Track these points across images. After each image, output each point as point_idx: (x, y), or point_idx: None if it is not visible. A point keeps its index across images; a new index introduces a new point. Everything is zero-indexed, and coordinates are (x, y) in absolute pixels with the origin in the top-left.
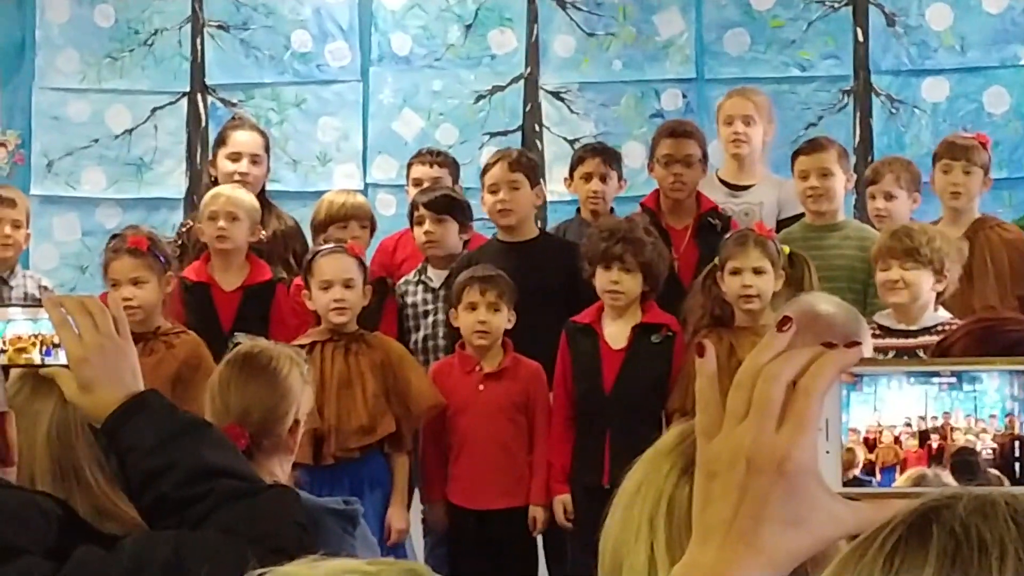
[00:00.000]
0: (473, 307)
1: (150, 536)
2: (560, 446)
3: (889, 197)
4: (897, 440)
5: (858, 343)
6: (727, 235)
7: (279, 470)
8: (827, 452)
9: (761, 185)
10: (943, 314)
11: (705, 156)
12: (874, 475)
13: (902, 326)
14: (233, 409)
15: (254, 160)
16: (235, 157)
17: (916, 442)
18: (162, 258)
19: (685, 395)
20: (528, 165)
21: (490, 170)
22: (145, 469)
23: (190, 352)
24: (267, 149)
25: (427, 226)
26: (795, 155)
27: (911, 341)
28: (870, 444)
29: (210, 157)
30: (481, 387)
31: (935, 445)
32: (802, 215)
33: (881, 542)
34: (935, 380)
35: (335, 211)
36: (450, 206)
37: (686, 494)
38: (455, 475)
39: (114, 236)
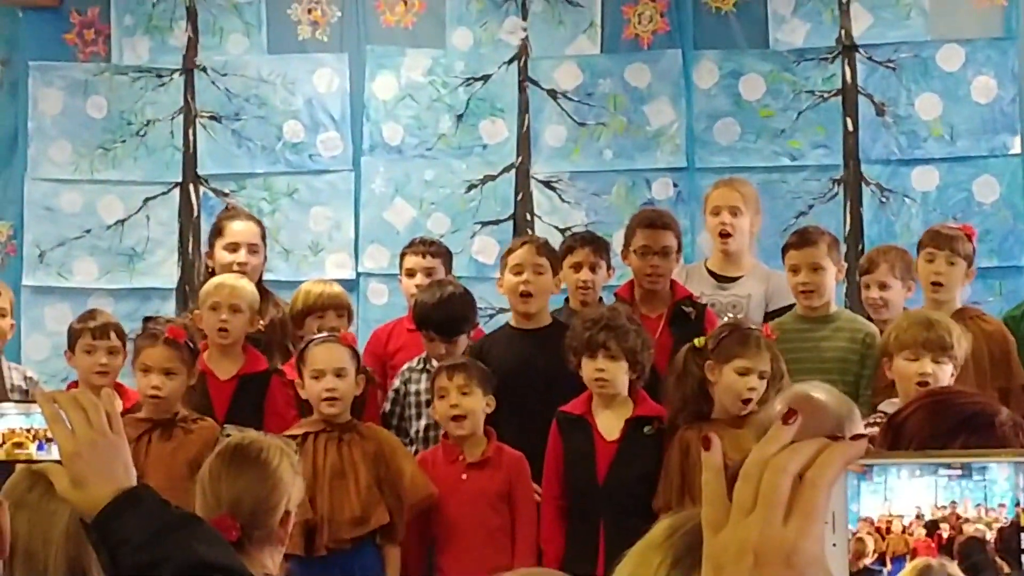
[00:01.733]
0: (444, 394)
1: None
2: (552, 535)
3: (884, 287)
4: (907, 530)
5: (864, 435)
6: (725, 331)
7: (270, 561)
8: (834, 545)
9: (749, 277)
10: None
11: (680, 246)
12: (885, 565)
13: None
14: (224, 500)
15: (252, 249)
16: (233, 248)
17: (925, 531)
18: (193, 350)
19: (670, 491)
20: (551, 252)
21: (515, 252)
22: (136, 563)
23: (207, 437)
24: (264, 238)
25: (438, 347)
26: (785, 248)
27: None
28: (881, 533)
29: (206, 249)
30: (464, 476)
31: (944, 535)
32: (790, 307)
33: None
34: (944, 470)
35: (312, 301)
36: (460, 325)
37: None
38: (441, 566)
39: (148, 319)
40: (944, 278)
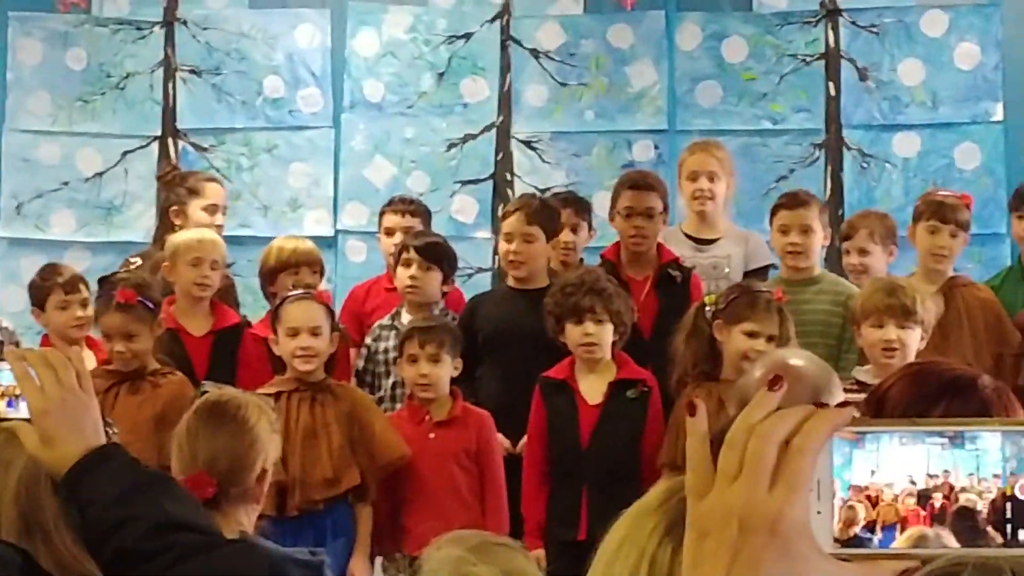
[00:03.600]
0: (414, 359)
1: None
2: (534, 501)
3: (864, 252)
4: (898, 498)
5: (849, 403)
6: (735, 292)
7: (246, 519)
8: (818, 512)
9: (726, 239)
10: None
11: (666, 208)
12: (875, 533)
13: (876, 380)
14: (201, 458)
15: (224, 211)
16: (212, 210)
17: (916, 500)
18: (151, 305)
19: (675, 448)
20: (547, 215)
21: (507, 218)
22: (105, 522)
23: (176, 392)
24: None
25: (413, 270)
26: (776, 208)
27: None
28: (872, 501)
29: (173, 207)
30: (431, 436)
31: (936, 504)
32: (767, 267)
33: None
34: (936, 438)
35: (285, 257)
36: (440, 255)
37: (668, 554)
38: (409, 526)
39: (103, 281)
40: (948, 251)
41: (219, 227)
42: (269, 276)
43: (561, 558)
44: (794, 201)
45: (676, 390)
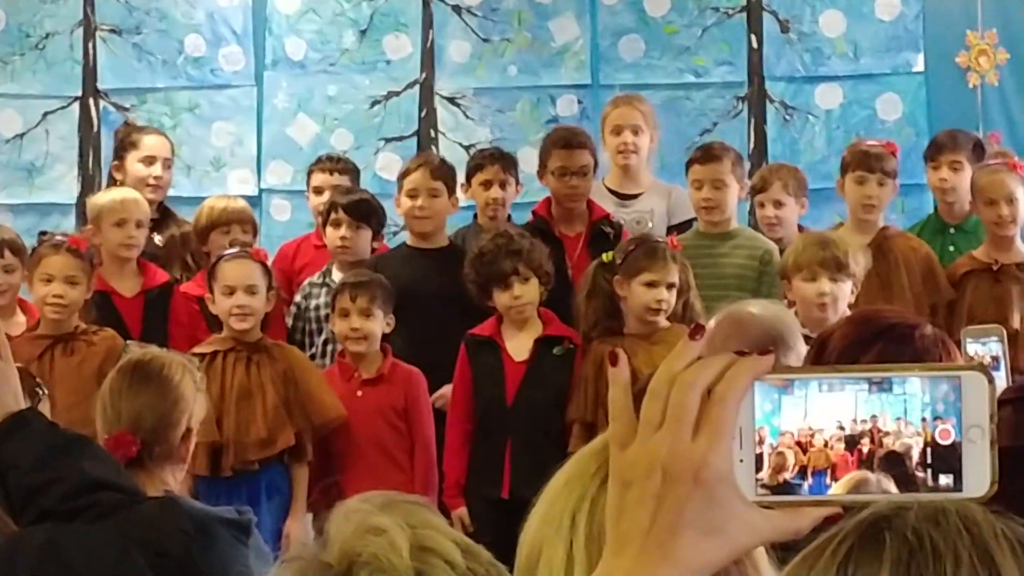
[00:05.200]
0: (345, 314)
1: (25, 529)
2: (455, 459)
3: (778, 204)
4: (827, 444)
5: (771, 351)
6: (631, 245)
7: (171, 479)
8: (741, 461)
9: (649, 193)
10: None
11: (597, 164)
12: (806, 479)
13: (805, 331)
14: (124, 416)
15: (166, 164)
16: (150, 161)
17: (844, 446)
18: (92, 261)
19: (584, 403)
20: (448, 173)
21: (410, 175)
22: (27, 485)
23: (111, 347)
24: (172, 154)
25: (343, 230)
26: (689, 163)
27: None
28: (802, 447)
29: (114, 162)
30: (359, 393)
31: (864, 449)
32: (691, 221)
33: (833, 550)
34: (864, 383)
35: (216, 216)
36: (368, 213)
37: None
38: (341, 484)
39: (43, 233)
40: (876, 200)
41: (158, 178)
42: (201, 235)
43: (485, 516)
44: (706, 156)
45: (583, 348)
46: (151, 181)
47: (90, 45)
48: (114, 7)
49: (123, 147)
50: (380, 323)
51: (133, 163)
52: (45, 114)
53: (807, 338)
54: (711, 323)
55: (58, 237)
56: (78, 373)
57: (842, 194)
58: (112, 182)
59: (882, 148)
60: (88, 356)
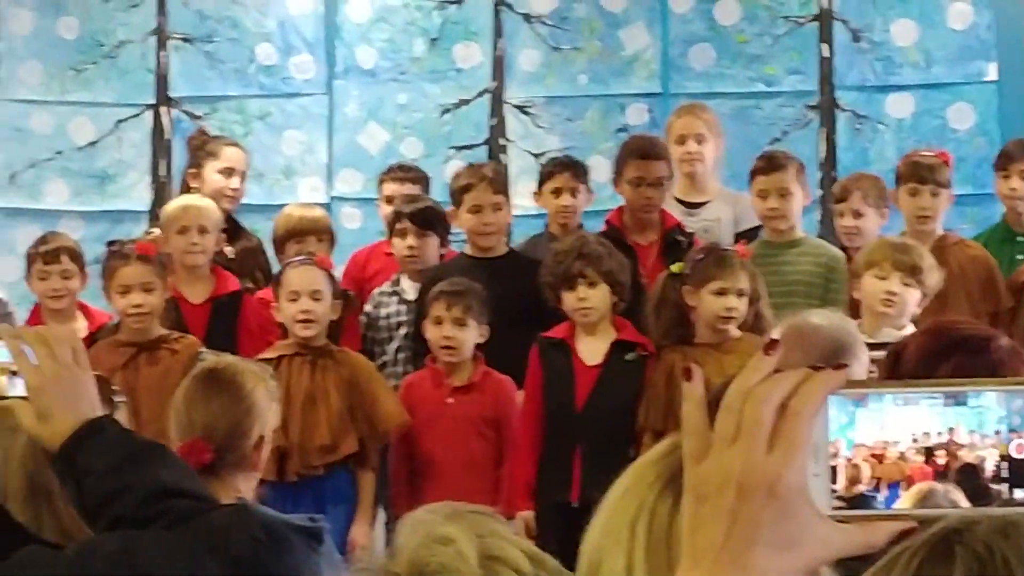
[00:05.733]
0: (439, 322)
1: (99, 535)
2: (525, 463)
3: (857, 215)
4: (902, 456)
5: (845, 365)
6: (700, 254)
7: (244, 486)
8: (815, 475)
9: (716, 201)
10: (899, 333)
11: (672, 174)
12: (880, 491)
13: (864, 338)
14: (198, 424)
15: (243, 177)
16: (228, 172)
17: (922, 458)
18: (165, 266)
19: (655, 412)
20: (504, 182)
21: (471, 191)
22: (101, 492)
23: (191, 354)
24: (247, 166)
25: (410, 239)
26: (753, 173)
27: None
28: (877, 459)
29: (190, 169)
30: (450, 400)
31: (941, 461)
32: (758, 227)
33: (904, 564)
34: (939, 396)
35: (292, 225)
36: (434, 220)
37: (668, 506)
38: (424, 490)
39: (112, 243)
40: (931, 211)
41: (235, 190)
42: (279, 244)
43: (552, 521)
44: (771, 165)
45: (655, 359)
46: (228, 192)
47: (162, 53)
48: (187, 16)
49: (201, 155)
50: (473, 333)
51: (212, 173)
52: (118, 122)
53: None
54: (774, 334)
55: (127, 246)
56: (163, 382)
57: (898, 206)
58: (187, 189)
59: (934, 158)
60: (172, 365)
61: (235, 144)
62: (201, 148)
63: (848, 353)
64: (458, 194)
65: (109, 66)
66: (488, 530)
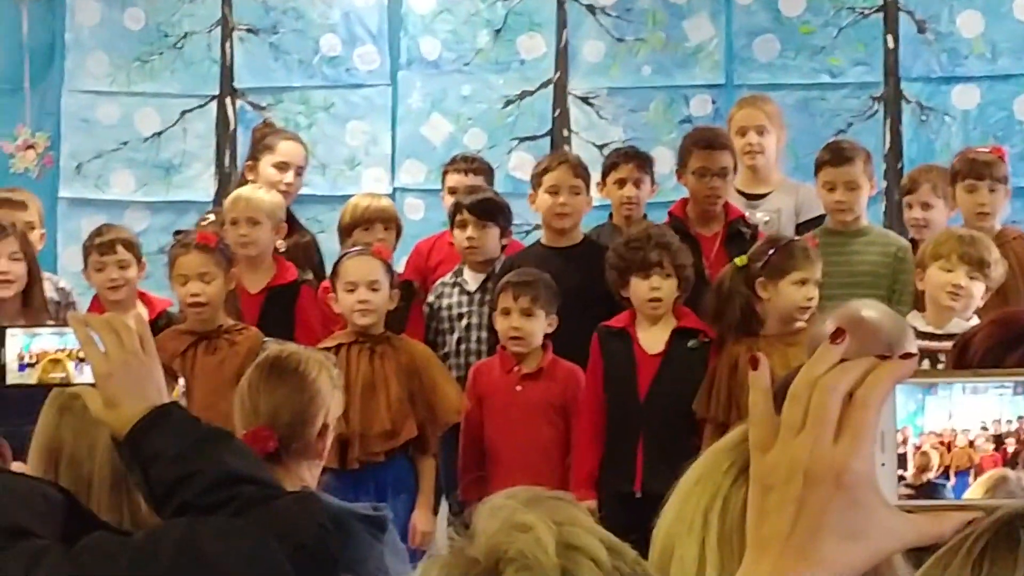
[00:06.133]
0: (507, 312)
1: (165, 522)
2: (588, 452)
3: (926, 206)
4: (972, 444)
5: (913, 354)
6: (770, 247)
7: (308, 475)
8: (883, 464)
9: (778, 192)
10: (966, 324)
11: (736, 165)
12: (949, 479)
13: (929, 328)
14: (262, 412)
15: (298, 171)
16: (283, 167)
17: (992, 446)
18: (227, 255)
19: (717, 403)
20: (585, 170)
21: (550, 172)
22: (168, 478)
23: (253, 347)
24: (306, 160)
25: (470, 231)
26: (820, 164)
27: (934, 344)
28: (947, 447)
29: (248, 161)
30: (519, 387)
31: (1011, 449)
32: (820, 217)
33: (968, 549)
34: (1009, 385)
35: (359, 214)
36: (494, 211)
37: (742, 493)
38: (491, 475)
39: (178, 232)
40: (989, 207)
41: (289, 184)
42: (345, 232)
43: (615, 510)
44: (838, 158)
45: (718, 348)
46: (281, 187)
47: (227, 44)
48: (251, 7)
49: (259, 148)
50: (542, 323)
51: (266, 167)
52: (183, 113)
53: (931, 335)
54: (827, 324)
55: (191, 236)
56: (218, 372)
57: (955, 204)
58: (244, 181)
59: (989, 154)
60: (229, 356)
61: (292, 138)
62: (260, 141)
63: (899, 346)
64: (538, 176)
65: (174, 57)
66: (567, 517)
